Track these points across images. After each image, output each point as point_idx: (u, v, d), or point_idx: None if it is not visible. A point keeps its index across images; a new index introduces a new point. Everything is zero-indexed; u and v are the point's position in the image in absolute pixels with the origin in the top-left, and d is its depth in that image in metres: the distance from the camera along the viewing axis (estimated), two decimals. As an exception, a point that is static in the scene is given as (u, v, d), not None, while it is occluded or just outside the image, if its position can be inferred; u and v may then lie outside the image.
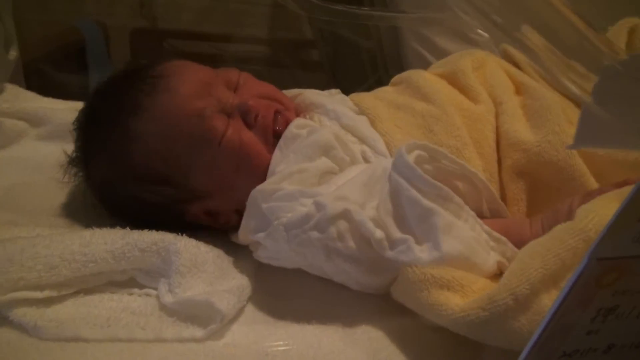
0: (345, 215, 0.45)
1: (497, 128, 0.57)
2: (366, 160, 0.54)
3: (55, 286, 0.44)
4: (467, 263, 0.43)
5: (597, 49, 0.27)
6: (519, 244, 0.44)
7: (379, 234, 0.44)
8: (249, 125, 0.54)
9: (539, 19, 0.30)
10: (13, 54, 0.79)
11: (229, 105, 0.54)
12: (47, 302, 0.44)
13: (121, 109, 0.54)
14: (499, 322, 0.39)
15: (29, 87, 0.82)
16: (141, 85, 0.54)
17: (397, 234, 0.44)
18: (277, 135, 0.55)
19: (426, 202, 0.44)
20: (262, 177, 0.52)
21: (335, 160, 0.52)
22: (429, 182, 0.44)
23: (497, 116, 0.58)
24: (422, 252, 0.43)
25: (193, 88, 0.54)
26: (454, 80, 0.62)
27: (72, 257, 0.44)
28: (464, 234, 0.44)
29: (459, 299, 0.42)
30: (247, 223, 0.50)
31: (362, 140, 0.56)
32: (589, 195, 0.43)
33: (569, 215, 0.40)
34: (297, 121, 0.56)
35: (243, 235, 0.50)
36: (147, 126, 0.53)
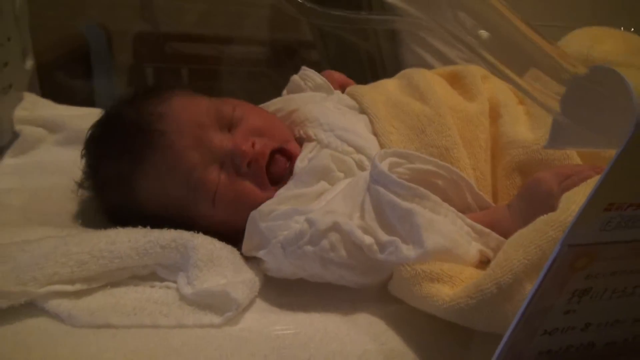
0: (335, 227, 0.48)
1: (497, 128, 0.60)
2: (362, 168, 0.57)
3: (85, 280, 0.48)
4: (450, 255, 0.46)
5: (557, 63, 0.31)
6: (503, 233, 0.48)
7: (368, 239, 0.47)
8: (242, 173, 0.56)
9: (499, 34, 0.34)
10: (29, 63, 0.82)
11: (222, 152, 0.56)
12: (79, 294, 0.48)
13: (123, 158, 0.56)
14: (486, 309, 0.42)
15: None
16: (141, 136, 0.55)
17: (384, 237, 0.47)
18: (273, 178, 0.57)
19: (405, 204, 0.47)
20: None
21: (332, 181, 0.56)
22: (404, 185, 0.48)
23: (497, 117, 0.61)
24: (408, 251, 0.46)
25: (187, 141, 0.55)
26: (457, 79, 0.65)
27: (100, 253, 0.48)
28: (445, 228, 0.47)
29: (449, 289, 0.45)
30: (249, 241, 0.54)
31: (358, 150, 0.58)
32: (564, 175, 0.46)
33: (548, 200, 0.44)
34: (300, 157, 0.58)
35: (246, 252, 0.54)
36: (148, 180, 0.56)
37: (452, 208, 0.49)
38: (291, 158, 0.58)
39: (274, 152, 0.58)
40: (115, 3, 1.25)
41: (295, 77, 0.73)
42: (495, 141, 0.60)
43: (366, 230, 0.48)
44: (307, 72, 0.73)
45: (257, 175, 0.56)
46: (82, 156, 0.62)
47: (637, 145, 0.29)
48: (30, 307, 0.46)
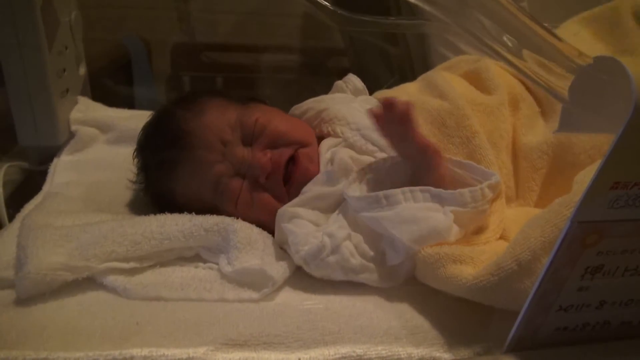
0: (349, 237, 0.53)
1: (518, 119, 0.63)
2: None
3: (138, 259, 0.54)
4: (432, 235, 0.49)
5: (563, 54, 0.34)
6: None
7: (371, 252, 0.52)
8: (261, 184, 0.61)
9: (512, 30, 0.37)
10: (82, 70, 0.89)
11: (244, 165, 0.61)
12: (132, 272, 0.53)
13: (163, 167, 0.63)
14: (506, 285, 0.44)
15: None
16: (177, 150, 0.62)
17: (380, 247, 0.52)
18: (292, 184, 0.61)
19: (369, 215, 0.51)
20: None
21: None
22: (362, 198, 0.53)
23: (517, 110, 0.64)
24: (403, 248, 0.50)
25: (214, 156, 0.61)
26: (475, 76, 0.68)
27: (152, 235, 0.53)
28: (408, 213, 0.50)
29: (471, 269, 0.47)
30: (278, 236, 0.58)
31: (381, 148, 0.62)
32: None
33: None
34: (323, 149, 0.63)
35: (278, 243, 0.59)
36: (184, 184, 0.62)
37: (408, 189, 0.52)
38: (301, 169, 0.62)
39: (292, 158, 0.62)
40: (154, 16, 1.32)
41: (338, 82, 0.77)
42: (515, 131, 0.63)
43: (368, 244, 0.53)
44: (349, 77, 0.77)
45: (275, 188, 0.61)
46: (133, 157, 0.69)
47: (636, 127, 0.32)
48: (90, 282, 0.52)
